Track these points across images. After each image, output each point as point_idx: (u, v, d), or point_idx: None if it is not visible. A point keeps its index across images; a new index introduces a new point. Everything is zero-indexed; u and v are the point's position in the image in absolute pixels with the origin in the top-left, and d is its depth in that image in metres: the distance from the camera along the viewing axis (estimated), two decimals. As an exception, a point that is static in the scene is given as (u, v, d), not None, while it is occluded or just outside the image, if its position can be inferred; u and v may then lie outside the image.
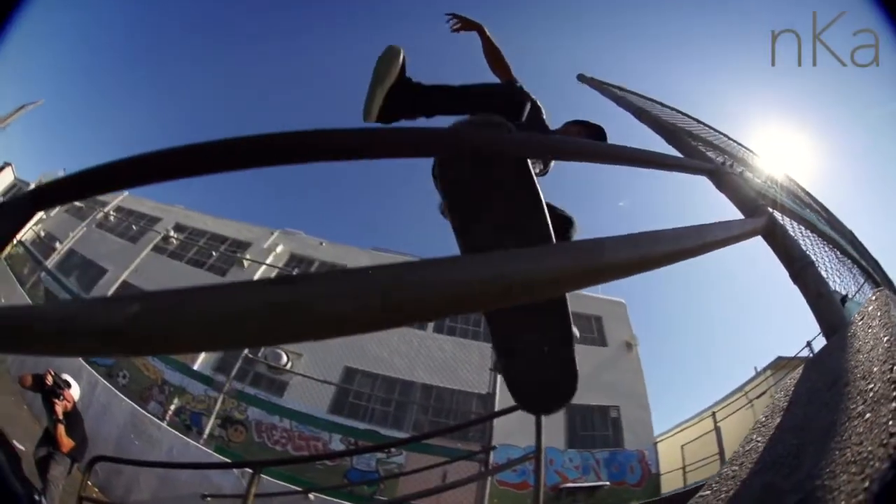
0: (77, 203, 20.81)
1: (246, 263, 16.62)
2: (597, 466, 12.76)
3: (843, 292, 1.95)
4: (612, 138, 2.81)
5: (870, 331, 0.97)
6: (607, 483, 12.33)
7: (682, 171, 1.84)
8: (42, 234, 18.73)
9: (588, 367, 14.46)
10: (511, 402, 4.23)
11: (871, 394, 0.74)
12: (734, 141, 4.19)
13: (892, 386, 0.70)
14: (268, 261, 16.89)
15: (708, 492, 1.01)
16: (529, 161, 2.32)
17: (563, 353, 2.40)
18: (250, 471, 4.22)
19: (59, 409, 5.02)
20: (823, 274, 1.83)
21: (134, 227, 19.57)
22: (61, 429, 4.97)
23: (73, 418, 5.20)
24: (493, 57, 2.55)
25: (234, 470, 6.55)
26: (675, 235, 0.76)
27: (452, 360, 10.93)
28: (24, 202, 0.90)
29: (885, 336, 0.88)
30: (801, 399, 1.01)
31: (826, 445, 0.71)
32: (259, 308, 0.35)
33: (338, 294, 0.34)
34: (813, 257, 1.80)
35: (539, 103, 2.58)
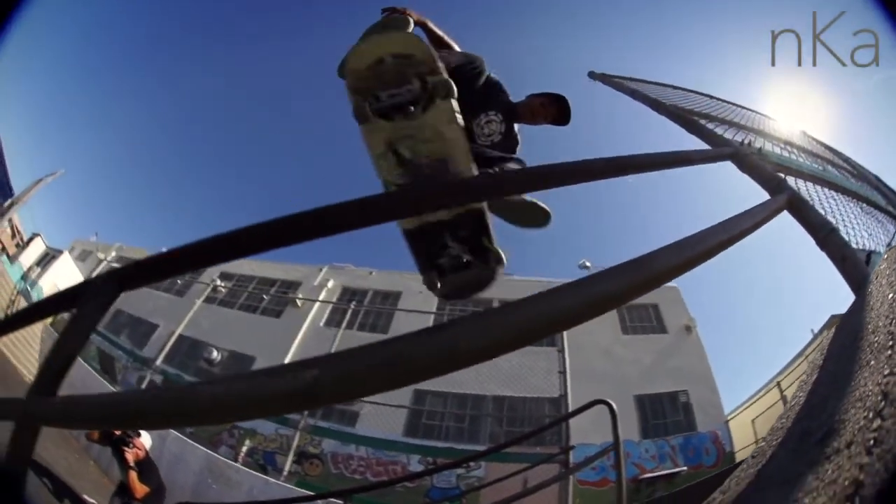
0: (114, 263, 20.93)
1: (300, 302, 16.79)
2: (672, 453, 12.63)
3: (872, 246, 2.03)
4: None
5: (881, 289, 1.12)
6: (684, 468, 12.19)
7: (705, 163, 1.95)
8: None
9: (652, 356, 14.31)
10: (581, 403, 4.35)
11: (875, 344, 0.90)
12: (749, 109, 4.23)
13: (890, 337, 0.86)
14: (321, 297, 17.04)
15: (763, 443, 1.18)
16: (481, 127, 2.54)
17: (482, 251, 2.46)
18: (338, 501, 4.38)
19: (130, 456, 4.93)
20: (850, 233, 1.94)
21: (178, 281, 19.26)
22: (133, 475, 4.89)
23: (147, 466, 5.13)
24: (441, 47, 2.62)
25: (318, 501, 6.71)
26: (710, 233, 0.92)
27: (520, 368, 10.99)
28: (110, 285, 0.98)
29: (890, 294, 1.04)
30: (832, 355, 1.17)
31: (844, 390, 0.88)
32: (419, 353, 0.56)
33: (482, 332, 0.55)
34: (837, 219, 1.92)
35: (499, 80, 2.72)
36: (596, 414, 4.19)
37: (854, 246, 1.77)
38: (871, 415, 0.72)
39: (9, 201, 13.24)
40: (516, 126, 2.85)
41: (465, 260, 2.50)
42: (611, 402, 3.93)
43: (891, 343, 0.84)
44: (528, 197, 2.34)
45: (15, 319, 1.11)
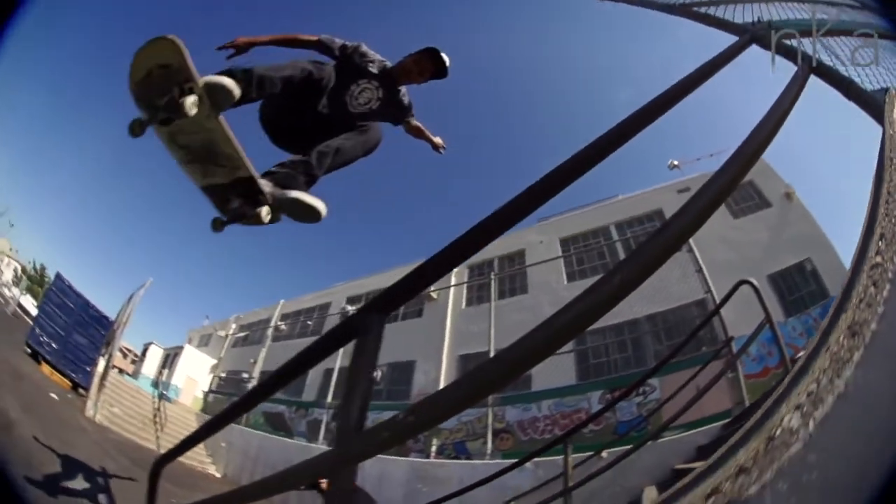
0: (239, 333, 22.50)
1: (434, 295, 17.11)
2: (816, 325, 12.22)
3: (890, 82, 2.20)
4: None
5: (889, 127, 1.64)
6: (831, 337, 11.71)
7: (731, 61, 1.89)
8: (223, 375, 19.83)
9: (766, 233, 13.89)
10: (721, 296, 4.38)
11: (887, 168, 1.46)
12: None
13: (891, 162, 1.42)
14: (452, 283, 17.19)
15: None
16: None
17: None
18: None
19: (325, 485, 5.00)
20: (868, 75, 2.23)
21: (309, 322, 20.36)
22: None
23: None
24: (288, 43, 2.77)
25: (527, 464, 6.40)
26: (766, 121, 1.06)
27: (657, 281, 11.14)
28: (375, 314, 1.04)
29: (890, 131, 1.57)
30: (877, 182, 1.68)
31: (878, 203, 1.44)
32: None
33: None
34: (854, 65, 2.23)
35: (366, 49, 2.84)
36: (739, 302, 4.40)
37: (874, 86, 2.06)
38: (886, 215, 1.30)
39: (111, 329, 14.08)
40: (403, 89, 2.95)
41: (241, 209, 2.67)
42: (752, 280, 4.18)
43: (892, 167, 1.40)
44: (301, 196, 2.55)
45: (303, 361, 1.25)
